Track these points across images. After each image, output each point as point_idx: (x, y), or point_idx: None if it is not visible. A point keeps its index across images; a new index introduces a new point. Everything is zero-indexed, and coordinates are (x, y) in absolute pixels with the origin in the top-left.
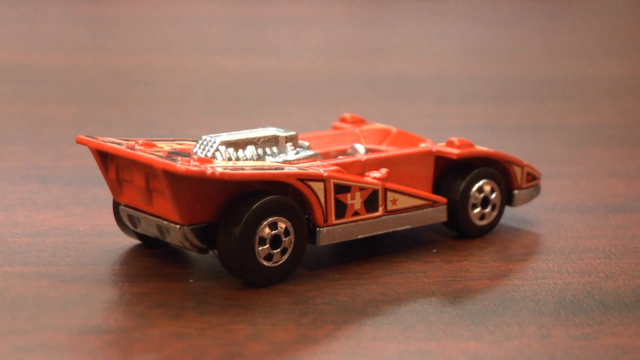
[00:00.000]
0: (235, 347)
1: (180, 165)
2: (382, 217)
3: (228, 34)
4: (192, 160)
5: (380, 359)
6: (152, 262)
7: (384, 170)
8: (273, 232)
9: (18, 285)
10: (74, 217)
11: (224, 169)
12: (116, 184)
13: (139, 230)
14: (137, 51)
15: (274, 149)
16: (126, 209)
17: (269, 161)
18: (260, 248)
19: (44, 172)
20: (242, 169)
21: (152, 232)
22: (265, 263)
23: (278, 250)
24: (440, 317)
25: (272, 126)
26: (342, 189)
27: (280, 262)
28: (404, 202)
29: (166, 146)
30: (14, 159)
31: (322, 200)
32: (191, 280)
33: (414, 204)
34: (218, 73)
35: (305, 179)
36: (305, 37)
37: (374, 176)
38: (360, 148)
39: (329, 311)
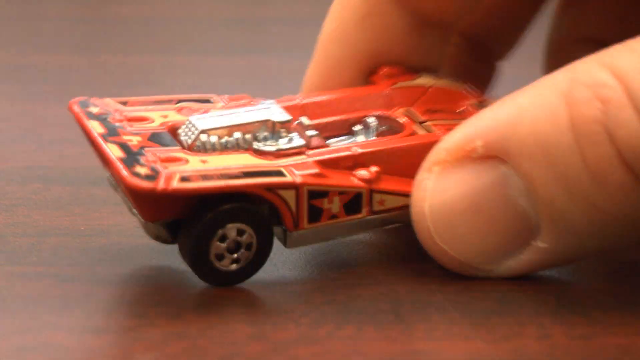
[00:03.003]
0: (235, 347)
1: (129, 178)
2: (365, 218)
3: (228, 34)
4: (151, 166)
5: (380, 359)
6: (152, 262)
7: (374, 169)
8: (234, 237)
9: (18, 285)
10: (74, 217)
11: (186, 178)
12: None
13: (119, 195)
14: (137, 51)
15: (265, 134)
16: (109, 175)
17: (256, 146)
18: (218, 252)
19: (44, 172)
20: (208, 178)
21: (127, 205)
22: (222, 267)
23: (236, 255)
24: (440, 317)
25: (274, 103)
26: (317, 194)
27: (240, 265)
28: (392, 202)
29: (160, 118)
30: (15, 158)
31: (293, 207)
32: (191, 280)
33: (404, 203)
34: (218, 73)
35: (274, 188)
36: (305, 37)
37: (361, 177)
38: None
39: (329, 311)
